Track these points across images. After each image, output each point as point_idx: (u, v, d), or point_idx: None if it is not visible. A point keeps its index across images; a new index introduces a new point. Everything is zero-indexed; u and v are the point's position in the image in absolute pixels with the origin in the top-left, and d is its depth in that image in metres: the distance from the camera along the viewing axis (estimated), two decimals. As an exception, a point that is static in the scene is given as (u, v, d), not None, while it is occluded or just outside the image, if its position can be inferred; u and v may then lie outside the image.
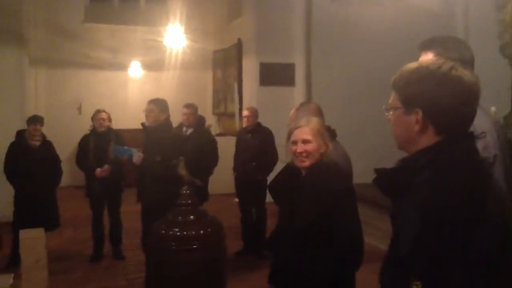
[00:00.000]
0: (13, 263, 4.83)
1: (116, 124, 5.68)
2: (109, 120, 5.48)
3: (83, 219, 5.86)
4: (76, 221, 6.60)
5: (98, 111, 5.48)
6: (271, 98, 8.13)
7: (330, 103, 5.63)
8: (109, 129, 5.46)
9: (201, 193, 4.53)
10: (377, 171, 1.33)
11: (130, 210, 5.00)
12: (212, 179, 5.55)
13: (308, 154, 2.33)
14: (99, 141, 5.35)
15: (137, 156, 4.20)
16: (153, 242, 3.35)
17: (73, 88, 10.43)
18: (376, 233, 5.88)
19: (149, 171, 4.12)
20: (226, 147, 6.16)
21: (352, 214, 2.30)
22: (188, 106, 5.30)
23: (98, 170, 5.23)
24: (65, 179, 6.41)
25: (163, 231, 3.25)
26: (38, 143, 5.20)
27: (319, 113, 2.98)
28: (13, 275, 4.13)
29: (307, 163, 2.33)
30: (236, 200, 6.09)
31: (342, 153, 2.88)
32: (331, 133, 2.91)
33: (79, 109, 10.43)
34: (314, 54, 8.37)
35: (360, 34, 8.37)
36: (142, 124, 4.33)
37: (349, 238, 2.24)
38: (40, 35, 8.37)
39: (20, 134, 5.25)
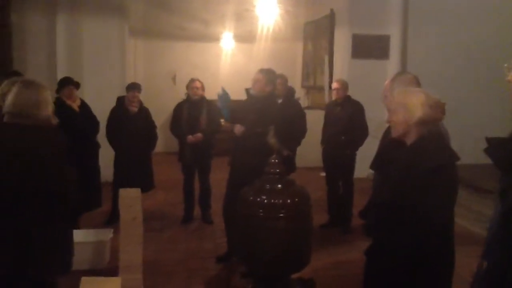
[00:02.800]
0: (112, 220, 5.21)
1: (208, 95, 5.83)
2: (203, 89, 5.64)
3: (176, 183, 6.15)
4: (169, 185, 6.95)
5: (192, 80, 5.66)
6: (363, 71, 7.87)
7: (426, 78, 5.30)
8: (202, 98, 5.63)
9: (289, 164, 4.54)
10: (489, 140, 1.22)
11: (219, 177, 5.16)
12: (299, 152, 5.54)
13: (394, 123, 2.28)
14: (192, 109, 5.54)
15: (238, 127, 4.25)
16: (241, 208, 3.42)
17: (169, 59, 10.86)
18: (469, 215, 5.57)
19: (246, 142, 4.15)
20: (314, 121, 6.09)
21: (442, 193, 2.17)
22: (278, 76, 5.27)
23: (190, 137, 5.43)
24: (159, 146, 6.76)
25: (251, 198, 3.30)
26: (136, 109, 5.48)
27: (416, 84, 2.82)
28: (112, 230, 4.48)
29: (394, 133, 2.29)
30: (323, 173, 6.05)
31: (442, 130, 2.74)
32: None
33: (174, 79, 10.87)
34: (412, 25, 7.93)
35: (459, 4, 7.80)
36: (246, 90, 4.32)
37: (432, 218, 2.15)
38: (139, 7, 8.73)
39: (120, 100, 5.56)
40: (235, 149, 4.38)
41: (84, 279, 1.95)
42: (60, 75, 7.00)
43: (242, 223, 3.42)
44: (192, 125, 5.45)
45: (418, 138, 2.23)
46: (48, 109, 2.56)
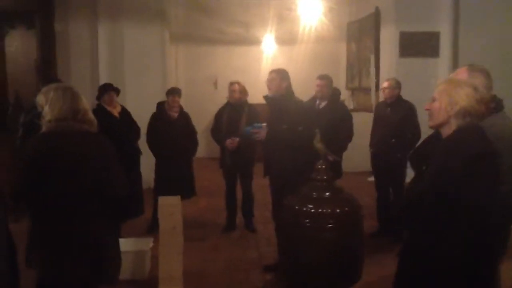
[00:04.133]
0: (153, 228, 5.10)
1: (250, 99, 5.64)
2: (243, 92, 5.45)
3: (218, 189, 5.99)
4: (211, 191, 6.81)
5: (231, 83, 5.49)
6: (412, 70, 7.46)
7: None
8: (243, 102, 5.44)
9: (335, 169, 4.29)
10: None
11: (262, 183, 4.94)
12: (345, 156, 5.25)
13: (431, 112, 2.13)
14: (232, 113, 5.36)
15: (262, 132, 4.06)
16: (286, 217, 3.20)
17: (210, 64, 10.80)
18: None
19: (275, 141, 3.98)
20: (360, 123, 5.80)
21: (483, 185, 1.93)
22: (321, 77, 5.03)
23: (228, 141, 5.26)
24: (202, 151, 6.65)
25: (297, 207, 3.08)
26: (176, 114, 5.37)
27: (487, 77, 2.56)
28: (153, 239, 4.34)
29: (431, 122, 2.15)
30: (372, 179, 5.72)
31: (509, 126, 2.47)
32: (497, 104, 2.51)
33: (215, 84, 10.80)
34: (464, 21, 7.46)
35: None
36: (265, 96, 4.20)
37: (478, 216, 1.91)
38: (180, 12, 8.70)
39: (160, 105, 5.46)
40: (267, 152, 4.19)
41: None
42: (102, 82, 7.05)
43: (287, 232, 3.21)
44: (232, 129, 5.27)
45: (456, 130, 2.04)
46: (90, 114, 2.48)
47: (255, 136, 4.15)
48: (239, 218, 5.65)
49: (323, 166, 3.14)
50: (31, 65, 6.78)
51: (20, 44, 6.88)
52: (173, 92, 5.41)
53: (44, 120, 2.39)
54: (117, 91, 4.90)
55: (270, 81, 4.17)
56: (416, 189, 2.14)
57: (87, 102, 2.60)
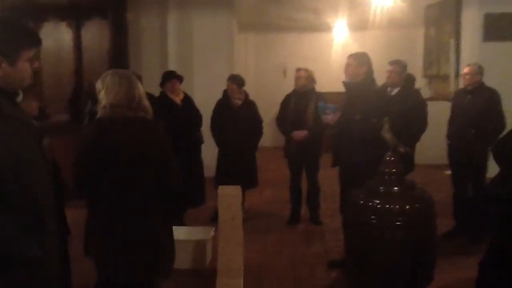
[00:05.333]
0: (216, 217, 5.03)
1: (320, 87, 5.40)
2: (309, 79, 5.23)
3: (284, 180, 5.81)
4: (277, 182, 6.67)
5: (297, 69, 5.29)
6: (497, 55, 6.83)
7: None
8: (311, 90, 5.22)
9: (406, 162, 3.97)
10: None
11: (329, 174, 4.71)
12: (420, 148, 4.87)
13: None
14: (299, 102, 5.16)
15: (332, 116, 3.83)
16: (351, 212, 2.99)
17: (279, 52, 10.63)
18: None
19: (346, 132, 3.73)
20: (437, 113, 5.38)
21: None
22: (392, 62, 4.68)
23: (295, 132, 5.07)
24: (269, 140, 6.52)
25: (362, 201, 2.85)
26: (239, 102, 5.25)
27: None
28: (214, 228, 4.27)
29: None
30: (448, 172, 5.29)
31: None
32: None
33: (284, 72, 10.62)
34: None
35: None
36: (344, 82, 3.94)
37: None
38: (249, 0, 8.58)
39: (225, 92, 5.38)
40: (337, 142, 3.94)
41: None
42: (171, 68, 7.13)
43: (352, 229, 2.99)
44: (298, 119, 5.07)
45: None
46: (146, 102, 2.42)
47: (325, 117, 3.94)
48: (305, 210, 5.47)
49: (392, 158, 2.88)
50: (104, 55, 6.97)
51: (94, 35, 7.09)
52: (230, 78, 5.29)
53: (99, 105, 2.35)
54: (180, 78, 4.88)
55: (346, 67, 3.94)
56: (508, 186, 1.85)
57: (143, 89, 2.54)
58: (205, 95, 5.94)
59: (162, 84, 4.80)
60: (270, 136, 5.89)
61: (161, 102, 4.68)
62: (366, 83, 3.78)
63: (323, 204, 5.48)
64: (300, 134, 5.03)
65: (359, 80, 3.79)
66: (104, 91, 2.32)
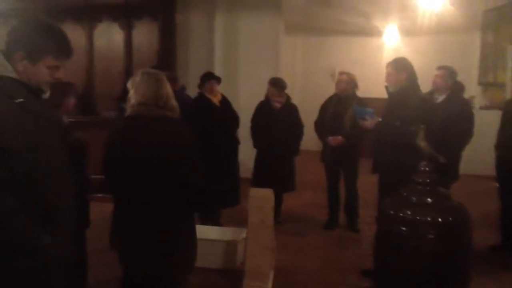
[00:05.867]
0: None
1: (368, 93, 5.29)
2: (351, 84, 5.13)
3: (325, 184, 5.75)
4: (317, 185, 6.59)
5: (339, 73, 5.22)
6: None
7: None
8: (351, 94, 5.12)
9: (448, 172, 3.82)
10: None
11: (369, 180, 4.60)
12: (467, 158, 4.66)
13: None
14: (339, 106, 5.07)
15: (370, 121, 3.74)
16: (382, 222, 2.90)
17: (327, 55, 10.53)
18: None
19: (384, 138, 3.63)
20: (491, 122, 5.17)
21: None
22: (439, 68, 4.49)
23: (330, 138, 4.99)
24: (312, 144, 6.43)
25: (392, 211, 2.75)
26: (278, 105, 5.23)
27: None
28: (246, 230, 4.27)
29: None
30: (497, 184, 5.03)
31: None
32: None
33: (333, 76, 10.48)
34: None
35: None
36: (386, 86, 3.84)
37: None
38: (298, 2, 8.54)
39: (266, 95, 5.37)
40: (376, 149, 3.84)
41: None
42: (217, 71, 7.20)
43: (382, 239, 2.90)
44: (336, 123, 4.97)
45: None
46: (173, 100, 2.45)
47: (363, 122, 3.86)
48: (343, 216, 5.37)
49: (427, 168, 2.77)
50: (153, 55, 7.16)
51: (144, 36, 7.30)
52: (270, 82, 5.27)
53: (129, 103, 2.41)
54: (218, 79, 4.91)
55: (387, 76, 3.85)
56: None
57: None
58: (250, 97, 5.95)
59: (200, 85, 4.86)
60: (314, 140, 5.79)
61: (199, 103, 4.73)
62: (408, 89, 3.66)
63: (363, 211, 5.36)
64: (335, 140, 4.95)
65: (402, 86, 3.68)
66: (134, 90, 2.38)
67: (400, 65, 3.73)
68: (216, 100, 4.81)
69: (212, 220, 4.71)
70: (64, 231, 1.76)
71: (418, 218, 2.64)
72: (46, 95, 1.83)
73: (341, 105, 5.01)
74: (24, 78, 1.72)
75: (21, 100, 1.66)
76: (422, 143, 2.81)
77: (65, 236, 1.78)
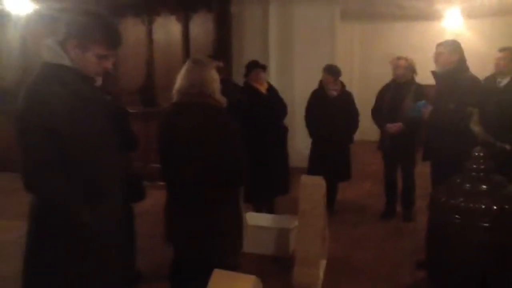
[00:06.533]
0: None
1: (429, 79, 5.11)
2: (409, 69, 4.98)
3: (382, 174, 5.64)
4: (375, 176, 6.47)
5: (397, 58, 5.07)
6: None
7: None
8: (410, 80, 4.97)
9: (507, 159, 3.63)
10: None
11: (427, 170, 4.47)
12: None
13: None
14: (397, 93, 4.94)
15: (424, 109, 3.64)
16: (433, 210, 2.83)
17: (386, 42, 10.22)
18: None
19: (437, 123, 3.51)
20: None
21: None
22: (502, 49, 4.26)
23: (389, 125, 4.87)
24: (372, 133, 6.30)
25: (444, 199, 2.67)
26: (334, 93, 5.17)
27: None
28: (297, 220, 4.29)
29: None
30: None
31: None
32: None
33: (392, 63, 10.19)
34: None
35: None
36: (432, 72, 3.73)
37: None
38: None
39: (321, 83, 5.34)
40: (429, 135, 3.73)
41: (216, 271, 1.78)
42: (272, 60, 7.23)
43: (434, 228, 2.83)
44: (394, 110, 4.84)
45: None
46: (214, 87, 2.51)
47: (419, 117, 3.77)
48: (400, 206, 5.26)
49: (481, 154, 2.66)
50: (209, 46, 7.28)
51: (200, 27, 7.44)
52: (325, 69, 5.22)
53: (174, 90, 2.50)
54: (263, 68, 4.91)
55: (437, 56, 3.74)
56: None
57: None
58: (305, 86, 5.91)
59: (246, 74, 4.89)
60: (373, 129, 5.66)
61: (246, 92, 4.78)
62: (458, 70, 3.53)
63: (420, 201, 5.19)
64: (393, 127, 4.83)
65: (451, 68, 3.55)
66: (180, 76, 2.47)
67: (452, 47, 3.62)
68: (262, 88, 4.83)
69: (267, 208, 4.78)
70: (110, 210, 1.87)
71: (471, 206, 2.56)
72: (98, 83, 1.95)
73: (399, 91, 4.88)
74: (77, 66, 1.83)
75: (74, 87, 1.78)
76: (476, 127, 2.71)
77: (111, 215, 1.89)
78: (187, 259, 2.45)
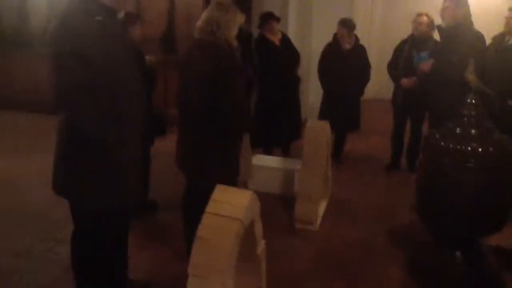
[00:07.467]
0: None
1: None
2: (430, 26, 5.03)
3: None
4: (385, 131, 6.62)
5: (418, 14, 5.09)
6: None
7: None
8: (429, 37, 5.03)
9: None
10: None
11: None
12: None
13: None
14: (414, 48, 5.01)
15: (425, 63, 3.78)
16: (426, 152, 3.03)
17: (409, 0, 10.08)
18: None
19: (439, 76, 3.67)
20: None
21: None
22: (511, 8, 4.33)
23: (404, 80, 4.99)
24: (386, 91, 6.39)
25: (434, 142, 2.87)
26: (348, 46, 5.29)
27: None
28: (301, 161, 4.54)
29: None
30: None
31: None
32: None
33: (414, 23, 10.08)
34: None
35: None
36: (438, 27, 3.84)
37: None
38: None
39: (335, 36, 5.45)
40: (428, 87, 3.89)
41: (219, 186, 2.04)
42: (291, 13, 7.27)
43: (424, 170, 3.04)
44: (410, 66, 4.92)
45: None
46: (228, 30, 2.69)
47: (420, 67, 3.90)
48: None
49: (473, 101, 2.82)
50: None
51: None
52: (341, 22, 5.32)
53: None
54: (277, 19, 5.03)
55: (443, 10, 3.86)
56: None
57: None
58: (323, 39, 5.99)
59: (260, 25, 5.02)
60: (389, 87, 5.72)
61: (260, 43, 4.94)
62: (463, 25, 3.64)
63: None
64: (409, 81, 4.95)
65: (457, 22, 3.66)
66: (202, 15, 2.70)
67: (460, 1, 3.70)
68: (276, 39, 4.96)
69: (283, 152, 5.06)
70: (132, 134, 2.14)
71: (458, 147, 2.74)
72: (121, 15, 2.18)
73: (417, 46, 4.94)
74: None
75: (100, 18, 2.01)
76: (470, 76, 2.86)
77: (133, 139, 2.16)
78: (192, 186, 2.75)
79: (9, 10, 8.29)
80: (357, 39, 5.44)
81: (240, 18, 2.78)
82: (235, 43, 2.81)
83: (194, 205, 2.42)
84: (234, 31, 2.76)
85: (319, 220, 3.88)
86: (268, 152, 5.01)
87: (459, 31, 3.62)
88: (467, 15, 3.69)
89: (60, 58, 1.95)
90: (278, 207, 4.22)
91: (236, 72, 2.65)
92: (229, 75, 2.58)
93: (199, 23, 2.68)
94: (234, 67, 2.65)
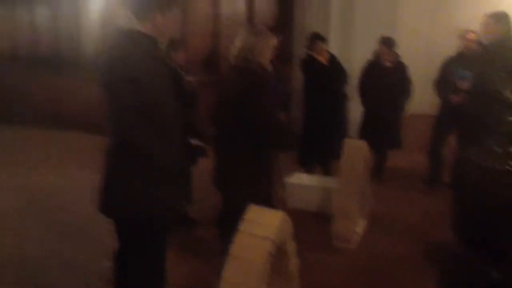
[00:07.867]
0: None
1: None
2: (478, 43, 4.94)
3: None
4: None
5: (466, 31, 5.02)
6: None
7: None
8: (478, 54, 4.91)
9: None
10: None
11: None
12: None
13: None
14: (463, 66, 4.90)
15: (467, 82, 3.73)
16: (462, 170, 2.99)
17: (457, 12, 9.83)
18: None
19: (480, 90, 3.61)
20: None
21: None
22: None
23: (453, 96, 4.88)
24: (428, 106, 6.25)
25: (472, 160, 2.83)
26: (389, 64, 5.28)
27: None
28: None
29: None
30: None
31: None
32: None
33: (461, 37, 9.83)
34: None
35: None
36: (478, 41, 3.79)
37: None
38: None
39: (376, 54, 5.46)
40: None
41: (251, 206, 2.11)
42: (333, 31, 7.30)
43: (461, 189, 3.01)
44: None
45: None
46: (262, 55, 2.78)
47: (459, 84, 3.84)
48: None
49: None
50: (272, 19, 7.52)
51: (264, 1, 7.69)
52: (381, 41, 5.33)
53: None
54: (323, 40, 5.10)
55: (483, 26, 3.83)
56: None
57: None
58: (366, 56, 6.00)
59: (308, 46, 5.11)
60: (431, 102, 5.60)
61: (308, 63, 5.02)
62: (507, 41, 3.58)
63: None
64: (458, 97, 4.77)
65: (497, 39, 3.60)
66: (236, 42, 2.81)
67: (501, 18, 3.66)
68: (323, 59, 5.02)
69: (323, 171, 5.13)
70: (174, 144, 2.27)
71: (497, 166, 2.70)
72: (162, 46, 2.34)
73: (466, 66, 4.79)
74: (148, 32, 2.23)
75: (146, 48, 2.17)
76: (508, 93, 2.81)
77: (175, 149, 2.28)
78: (230, 206, 2.82)
79: (66, 31, 8.76)
80: (397, 56, 5.41)
81: (273, 41, 2.86)
82: (269, 67, 2.90)
83: (231, 223, 2.49)
84: (268, 55, 2.84)
85: (357, 238, 3.86)
86: (310, 170, 5.06)
87: (504, 47, 3.57)
88: (509, 32, 3.62)
89: (115, 86, 2.12)
90: (316, 224, 4.24)
91: (269, 94, 2.73)
92: (263, 97, 2.67)
93: (234, 50, 2.77)
94: (267, 90, 2.73)
